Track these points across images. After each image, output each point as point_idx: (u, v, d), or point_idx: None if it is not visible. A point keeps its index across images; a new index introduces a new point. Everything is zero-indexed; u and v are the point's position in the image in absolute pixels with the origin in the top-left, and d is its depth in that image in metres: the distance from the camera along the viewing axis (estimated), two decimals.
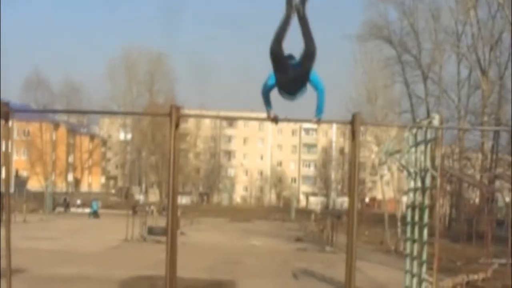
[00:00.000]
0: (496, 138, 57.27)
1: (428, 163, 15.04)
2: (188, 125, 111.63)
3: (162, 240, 25.70)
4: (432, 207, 27.27)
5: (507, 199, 47.01)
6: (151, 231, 38.48)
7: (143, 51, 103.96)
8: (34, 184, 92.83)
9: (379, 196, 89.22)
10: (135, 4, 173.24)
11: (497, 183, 50.20)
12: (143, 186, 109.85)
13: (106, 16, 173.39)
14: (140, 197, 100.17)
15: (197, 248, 32.81)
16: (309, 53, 7.51)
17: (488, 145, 57.28)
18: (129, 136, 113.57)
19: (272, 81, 7.71)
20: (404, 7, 63.70)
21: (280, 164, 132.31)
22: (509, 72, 56.28)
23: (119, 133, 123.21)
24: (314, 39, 7.46)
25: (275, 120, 8.16)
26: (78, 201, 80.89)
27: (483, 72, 56.81)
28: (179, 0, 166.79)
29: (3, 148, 8.29)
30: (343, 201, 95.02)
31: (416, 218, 15.20)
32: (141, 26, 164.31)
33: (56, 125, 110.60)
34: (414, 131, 15.49)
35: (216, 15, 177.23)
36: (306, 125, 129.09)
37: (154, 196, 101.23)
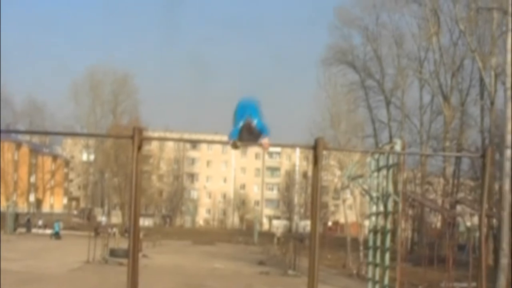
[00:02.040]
0: (458, 164, 57.86)
1: (390, 188, 15.17)
2: (152, 147, 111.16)
3: (124, 262, 25.50)
4: (394, 231, 27.44)
5: (468, 224, 47.40)
6: (113, 253, 38.17)
7: (107, 71, 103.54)
8: None
9: (341, 220, 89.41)
10: (100, 23, 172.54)
11: (459, 207, 50.59)
12: (106, 207, 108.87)
13: (71, 35, 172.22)
14: (102, 219, 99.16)
15: (160, 270, 32.59)
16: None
17: (450, 170, 57.80)
18: (92, 157, 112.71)
19: (235, 135, 8.93)
20: (368, 33, 64.37)
21: (243, 187, 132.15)
22: (471, 98, 57.06)
23: (82, 154, 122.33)
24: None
25: (235, 145, 8.55)
26: (40, 222, 79.89)
27: (445, 98, 57.44)
28: (146, 19, 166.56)
29: None
30: (306, 225, 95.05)
31: (378, 242, 15.29)
32: (106, 45, 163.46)
33: (18, 145, 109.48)
34: (376, 156, 15.62)
35: (186, 33, 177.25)
36: (270, 149, 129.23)
37: (116, 218, 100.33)
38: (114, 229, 55.43)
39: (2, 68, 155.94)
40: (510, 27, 33.27)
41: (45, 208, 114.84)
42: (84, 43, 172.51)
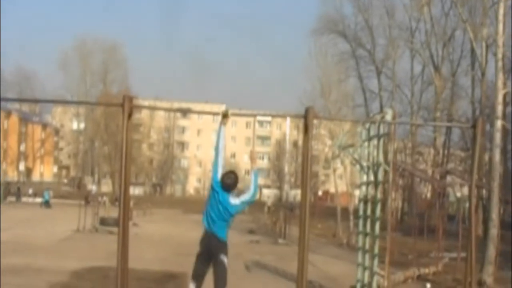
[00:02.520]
0: (448, 134, 58.08)
1: (381, 158, 15.16)
2: (142, 115, 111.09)
3: (115, 231, 25.47)
4: (384, 201, 27.55)
5: (458, 194, 47.59)
6: (103, 221, 38.22)
7: (97, 40, 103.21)
8: None
9: (332, 190, 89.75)
10: None
11: (449, 178, 50.77)
12: (96, 176, 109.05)
13: (60, 4, 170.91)
14: (92, 187, 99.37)
15: (150, 239, 32.68)
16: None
17: (440, 140, 58.04)
18: (82, 125, 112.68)
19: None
20: (359, 2, 64.38)
21: (233, 156, 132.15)
22: (462, 69, 57.13)
23: (72, 122, 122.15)
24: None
25: (226, 115, 8.68)
26: (30, 191, 79.90)
27: (436, 68, 57.51)
28: None
29: None
30: (296, 194, 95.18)
31: (369, 211, 15.31)
32: (95, 15, 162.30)
33: (8, 113, 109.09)
34: (367, 125, 15.58)
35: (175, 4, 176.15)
36: (260, 118, 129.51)
37: (106, 186, 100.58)
38: (104, 198, 55.49)
39: None
40: None
41: (35, 177, 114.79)
42: (73, 12, 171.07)
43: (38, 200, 68.44)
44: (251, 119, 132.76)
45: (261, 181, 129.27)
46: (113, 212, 36.68)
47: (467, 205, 38.56)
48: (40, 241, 29.28)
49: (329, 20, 64.70)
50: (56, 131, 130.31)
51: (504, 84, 30.19)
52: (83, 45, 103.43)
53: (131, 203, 33.37)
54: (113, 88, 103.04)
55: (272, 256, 27.39)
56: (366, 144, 15.60)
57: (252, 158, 10.31)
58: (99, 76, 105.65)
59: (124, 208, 7.81)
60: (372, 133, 15.32)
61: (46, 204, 64.07)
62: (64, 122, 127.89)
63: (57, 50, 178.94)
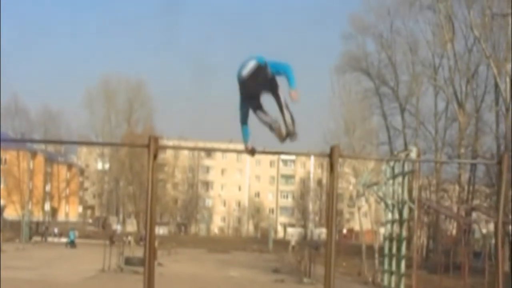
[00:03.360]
0: (473, 170, 57.64)
1: (406, 195, 15.14)
2: (166, 155, 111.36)
3: (140, 271, 25.52)
4: (409, 239, 27.38)
5: (484, 231, 47.20)
6: (128, 261, 38.21)
7: (122, 79, 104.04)
8: (11, 213, 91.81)
9: (356, 227, 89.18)
10: (114, 30, 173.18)
11: (474, 214, 50.43)
12: (121, 216, 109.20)
13: (85, 43, 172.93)
14: (117, 227, 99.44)
15: (175, 279, 32.62)
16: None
17: (465, 177, 57.62)
18: (107, 165, 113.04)
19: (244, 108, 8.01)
20: (382, 40, 64.34)
21: (258, 195, 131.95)
22: (486, 105, 56.87)
23: (97, 162, 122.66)
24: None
25: (252, 152, 8.33)
26: (56, 230, 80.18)
27: (460, 104, 57.31)
28: (157, 26, 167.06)
29: None
30: (320, 232, 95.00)
31: (394, 249, 15.25)
32: (120, 54, 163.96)
33: (34, 154, 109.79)
34: (391, 163, 15.58)
35: (199, 39, 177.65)
36: (284, 157, 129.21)
37: (131, 226, 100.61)
38: (129, 238, 55.55)
39: (18, 78, 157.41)
40: None
41: (60, 217, 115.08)
42: (97, 51, 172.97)
43: (64, 240, 68.67)
44: (275, 158, 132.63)
45: (285, 219, 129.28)
46: (138, 252, 36.75)
47: (493, 241, 38.27)
48: (66, 280, 29.37)
49: (352, 57, 64.88)
50: (81, 171, 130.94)
51: None
52: (108, 84, 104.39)
53: (156, 243, 33.43)
54: (138, 128, 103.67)
55: None
56: (390, 181, 15.60)
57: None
58: (123, 115, 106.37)
59: (150, 247, 7.84)
60: (396, 171, 15.33)
61: (72, 244, 64.25)
62: (89, 162, 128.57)
63: (82, 89, 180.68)
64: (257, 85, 7.84)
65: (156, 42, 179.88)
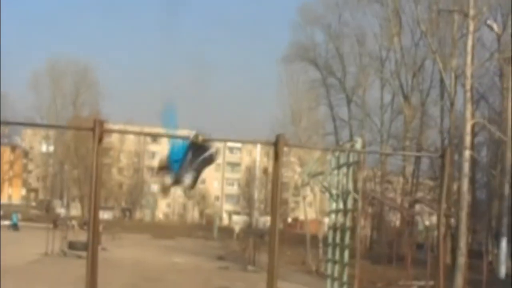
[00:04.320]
0: (417, 163, 58.47)
1: (350, 186, 15.28)
2: (112, 139, 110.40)
3: (83, 255, 25.33)
4: (353, 229, 27.63)
5: (427, 223, 47.89)
6: (72, 245, 37.90)
7: (69, 62, 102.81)
8: None
9: (301, 217, 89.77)
10: (63, 14, 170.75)
11: (418, 207, 51.15)
12: (65, 199, 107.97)
13: (33, 26, 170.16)
14: (61, 211, 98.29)
15: (119, 264, 32.42)
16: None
17: (409, 169, 58.35)
18: (51, 148, 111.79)
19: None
20: (330, 31, 64.73)
21: (203, 181, 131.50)
22: (431, 99, 57.72)
23: (41, 145, 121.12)
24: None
25: (196, 140, 8.39)
26: None
27: (406, 98, 57.99)
28: (112, 10, 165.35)
29: None
30: (266, 221, 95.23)
31: (338, 239, 15.38)
32: (68, 36, 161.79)
33: None
34: (337, 153, 15.71)
35: (149, 24, 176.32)
36: (230, 144, 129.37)
37: (75, 210, 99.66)
38: (73, 222, 55.04)
39: None
40: (471, 30, 33.74)
41: (3, 199, 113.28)
42: (45, 34, 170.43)
43: (6, 222, 67.63)
44: (221, 145, 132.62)
45: (230, 207, 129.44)
46: (82, 236, 36.37)
47: (435, 233, 38.89)
48: (7, 264, 28.88)
49: (299, 47, 64.99)
50: (25, 153, 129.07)
51: (472, 115, 30.68)
52: (55, 66, 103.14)
53: (100, 227, 33.17)
54: (84, 111, 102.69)
55: (241, 283, 27.34)
56: (335, 172, 15.73)
57: None
58: (70, 98, 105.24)
59: (94, 232, 7.79)
60: (341, 161, 15.45)
61: (14, 226, 63.34)
62: (34, 144, 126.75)
63: (28, 71, 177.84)
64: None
65: (106, 25, 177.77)
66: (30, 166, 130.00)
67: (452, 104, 44.55)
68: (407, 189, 57.65)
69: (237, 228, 78.80)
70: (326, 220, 34.45)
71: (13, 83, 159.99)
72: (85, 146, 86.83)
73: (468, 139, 30.97)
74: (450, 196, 42.85)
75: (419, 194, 55.65)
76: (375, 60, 62.06)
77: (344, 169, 15.35)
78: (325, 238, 25.03)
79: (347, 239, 15.22)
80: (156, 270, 31.11)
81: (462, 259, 27.95)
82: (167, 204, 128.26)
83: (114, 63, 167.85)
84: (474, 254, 39.67)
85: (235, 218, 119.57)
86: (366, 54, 62.73)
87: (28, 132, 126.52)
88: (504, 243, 40.53)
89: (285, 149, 8.29)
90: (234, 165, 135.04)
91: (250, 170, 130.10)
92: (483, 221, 48.49)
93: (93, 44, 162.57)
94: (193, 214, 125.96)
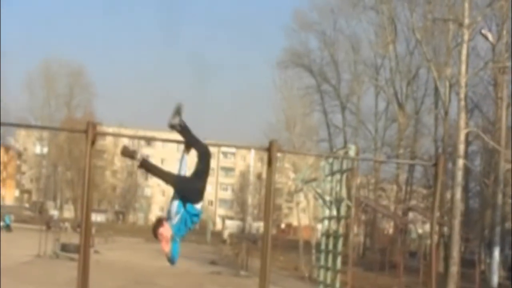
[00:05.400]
0: (411, 171, 58.50)
1: (344, 193, 15.29)
2: (106, 142, 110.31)
3: (75, 258, 25.24)
4: (346, 236, 27.67)
5: (420, 231, 47.95)
6: (64, 247, 37.82)
7: (63, 63, 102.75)
8: None
9: (295, 223, 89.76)
10: (58, 16, 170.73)
11: (411, 214, 51.21)
12: (58, 201, 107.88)
13: (28, 27, 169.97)
14: (54, 213, 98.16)
15: (111, 267, 32.37)
16: (202, 153, 8.66)
17: (403, 177, 58.42)
18: (45, 149, 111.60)
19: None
20: (325, 37, 64.87)
21: None
22: (425, 107, 57.81)
23: (35, 146, 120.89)
24: (200, 140, 8.52)
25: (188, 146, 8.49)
26: None
27: (400, 105, 58.07)
28: (107, 12, 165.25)
29: None
30: (259, 226, 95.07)
31: (331, 246, 15.39)
32: (62, 38, 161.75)
33: None
34: (330, 160, 15.72)
35: (144, 27, 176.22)
36: (225, 149, 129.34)
37: (68, 212, 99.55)
38: (66, 224, 54.93)
39: None
40: (465, 39, 33.85)
41: None
42: (39, 35, 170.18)
43: None
44: (215, 150, 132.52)
45: (224, 212, 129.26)
46: (75, 239, 36.27)
47: (428, 242, 38.93)
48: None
49: (294, 53, 65.04)
50: (19, 155, 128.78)
51: (466, 124, 30.74)
52: (49, 67, 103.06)
53: (93, 230, 33.09)
54: (78, 112, 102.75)
55: None
56: (329, 178, 15.74)
57: None
58: (63, 99, 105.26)
59: (86, 234, 7.79)
60: (335, 168, 15.47)
61: (7, 228, 63.09)
62: (27, 145, 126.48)
63: (23, 72, 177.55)
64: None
65: (101, 28, 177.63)
66: (24, 168, 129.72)
67: (446, 112, 44.60)
68: (400, 197, 57.69)
69: (225, 233, 78.79)
70: (319, 226, 34.45)
71: (6, 83, 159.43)
72: (79, 148, 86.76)
73: (461, 147, 31.07)
74: (443, 204, 42.92)
75: (413, 202, 55.72)
76: (370, 67, 62.18)
77: (337, 176, 15.37)
78: (318, 245, 25.06)
79: (339, 246, 15.24)
80: (148, 274, 31.06)
81: (454, 268, 27.98)
82: (160, 208, 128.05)
83: (109, 65, 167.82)
84: (467, 263, 39.77)
85: (228, 223, 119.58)
86: (360, 62, 62.86)
87: (22, 133, 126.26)
88: (496, 252, 40.57)
89: (279, 155, 8.32)
90: (228, 170, 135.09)
91: (244, 175, 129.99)
92: (476, 230, 48.52)
93: (87, 46, 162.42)
94: None
